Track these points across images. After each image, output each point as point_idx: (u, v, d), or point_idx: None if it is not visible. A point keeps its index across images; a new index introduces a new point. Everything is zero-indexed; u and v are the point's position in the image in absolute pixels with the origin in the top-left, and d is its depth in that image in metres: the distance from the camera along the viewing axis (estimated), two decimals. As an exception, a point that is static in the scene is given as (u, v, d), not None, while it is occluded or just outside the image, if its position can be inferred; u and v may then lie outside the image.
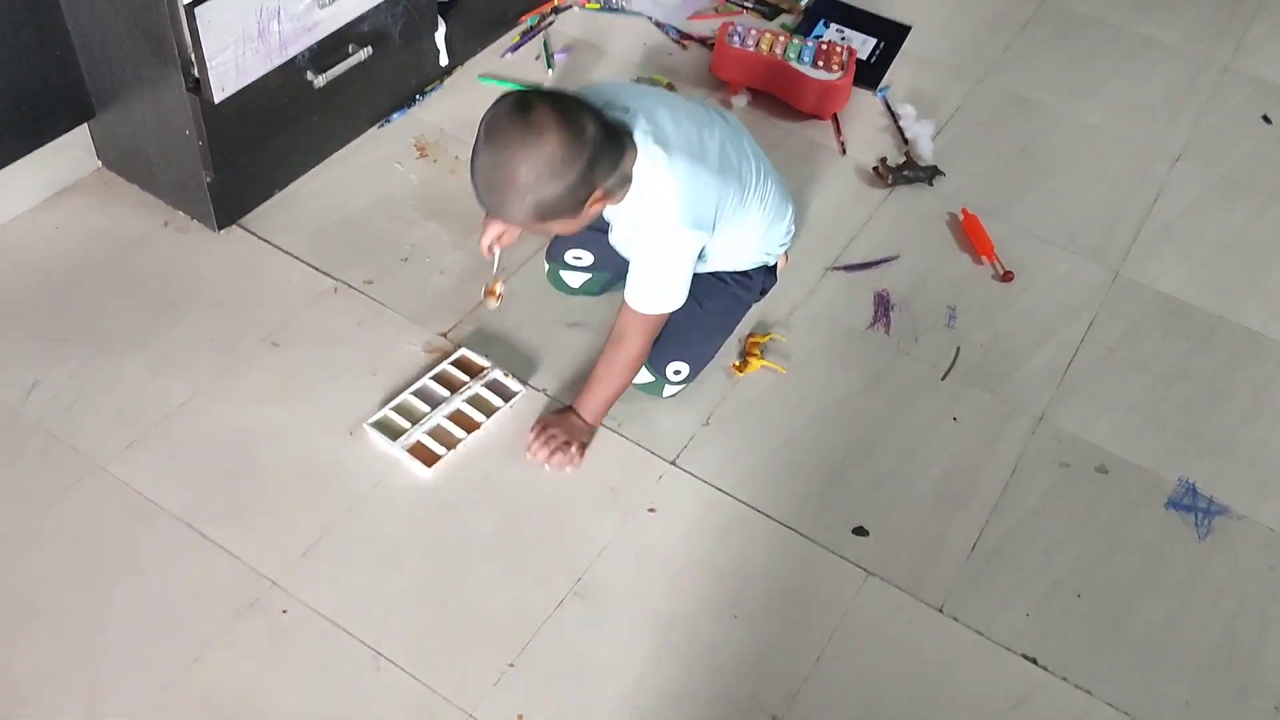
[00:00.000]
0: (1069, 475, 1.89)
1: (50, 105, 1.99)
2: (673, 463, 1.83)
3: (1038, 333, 2.11)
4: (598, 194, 1.58)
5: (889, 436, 1.91)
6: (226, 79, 1.84)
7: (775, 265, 1.99)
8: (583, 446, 1.81)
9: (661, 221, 1.67)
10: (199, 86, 1.84)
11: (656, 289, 1.72)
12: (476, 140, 1.57)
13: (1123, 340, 2.12)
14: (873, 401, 1.96)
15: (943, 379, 2.01)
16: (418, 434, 1.80)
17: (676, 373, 1.88)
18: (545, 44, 2.58)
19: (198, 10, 1.74)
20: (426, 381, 1.87)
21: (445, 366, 1.90)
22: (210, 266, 2.03)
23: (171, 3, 1.75)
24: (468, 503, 1.74)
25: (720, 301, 1.92)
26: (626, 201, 1.67)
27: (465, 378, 1.89)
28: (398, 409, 1.83)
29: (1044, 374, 2.04)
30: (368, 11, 2.08)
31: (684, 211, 1.66)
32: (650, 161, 1.63)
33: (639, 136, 1.63)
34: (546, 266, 2.04)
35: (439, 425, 1.82)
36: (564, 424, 1.81)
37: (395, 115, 2.36)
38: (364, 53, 2.11)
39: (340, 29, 2.03)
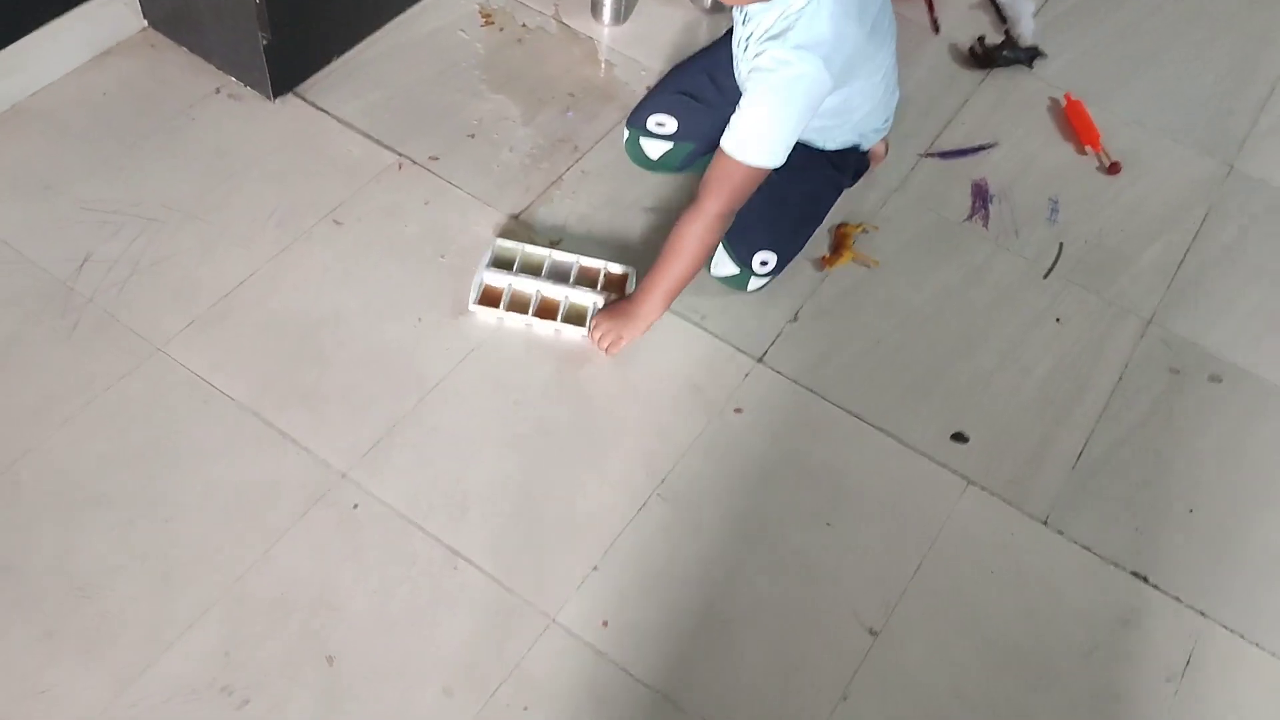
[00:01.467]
0: (1180, 382, 1.77)
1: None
2: (760, 360, 1.72)
3: (1146, 229, 1.97)
4: None
5: (988, 337, 1.79)
6: (286, -70, 1.69)
7: (867, 151, 1.85)
8: (632, 335, 1.69)
9: (791, 44, 1.51)
10: (256, -62, 1.69)
11: (759, 130, 1.55)
12: None
13: (1238, 239, 1.97)
14: (970, 299, 1.84)
15: (1045, 277, 1.88)
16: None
17: (764, 264, 1.75)
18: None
19: None
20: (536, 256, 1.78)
21: (565, 257, 1.78)
22: (267, 137, 1.90)
23: None
24: (546, 396, 1.65)
25: (811, 185, 1.79)
26: (766, 9, 1.53)
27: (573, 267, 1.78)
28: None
29: (1153, 274, 1.91)
30: None
31: (819, 40, 1.51)
32: None
33: None
34: (626, 134, 1.90)
35: (542, 298, 1.73)
36: (617, 316, 1.70)
37: (458, -22, 2.20)
38: (428, -94, 1.95)
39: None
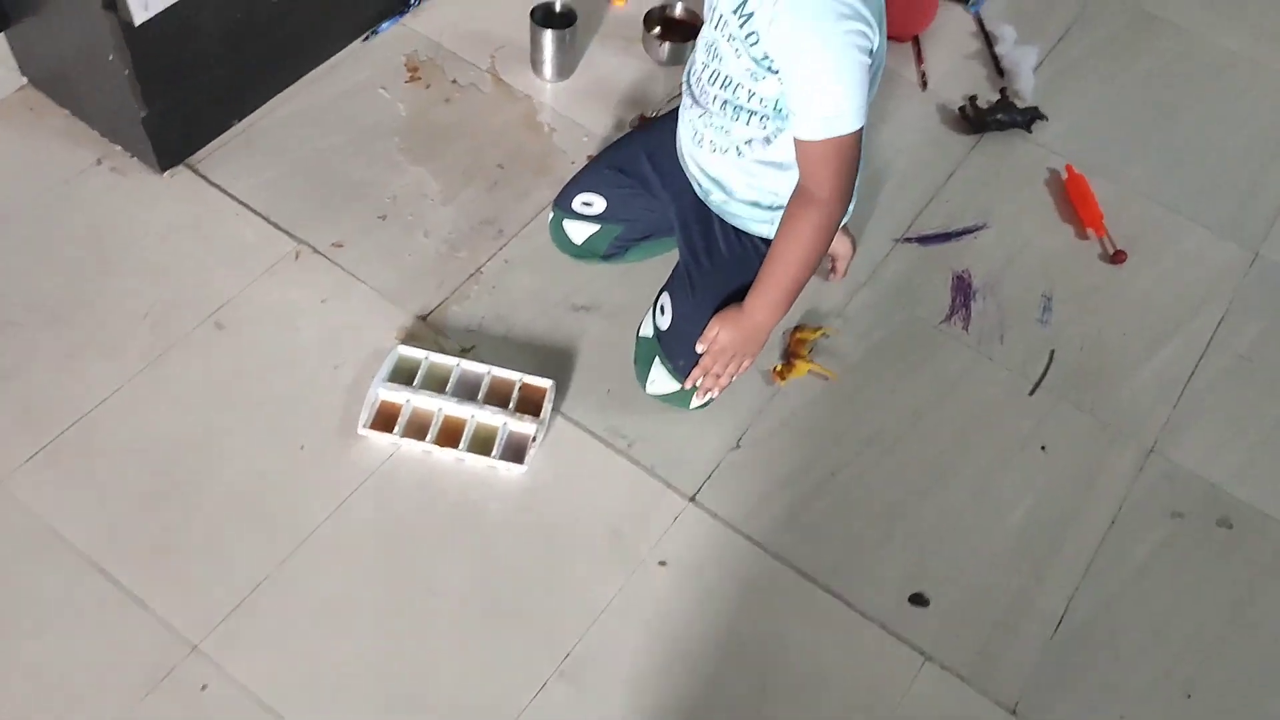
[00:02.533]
0: (1182, 530, 1.53)
1: (-48, 15, 1.63)
2: (693, 499, 1.50)
3: (1152, 331, 1.72)
4: None
5: (961, 468, 1.55)
6: (150, -4, 1.46)
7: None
8: (752, 358, 1.50)
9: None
10: (114, 3, 1.46)
11: (820, 100, 1.27)
12: None
13: (1260, 345, 1.72)
14: (943, 421, 1.60)
15: (1031, 393, 1.64)
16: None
17: (662, 310, 1.53)
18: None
19: (102, -89, 1.35)
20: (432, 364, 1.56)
21: (465, 364, 1.56)
22: (150, 219, 1.68)
23: (69, -102, 1.36)
24: (440, 547, 1.42)
25: (727, 279, 1.53)
26: None
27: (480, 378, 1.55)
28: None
29: (1157, 388, 1.66)
30: (341, -99, 1.68)
31: None
32: None
33: None
34: (550, 215, 1.67)
35: (445, 419, 1.52)
36: (736, 329, 1.46)
37: (384, 25, 1.96)
38: (338, -48, 1.71)
39: (304, -75, 1.63)
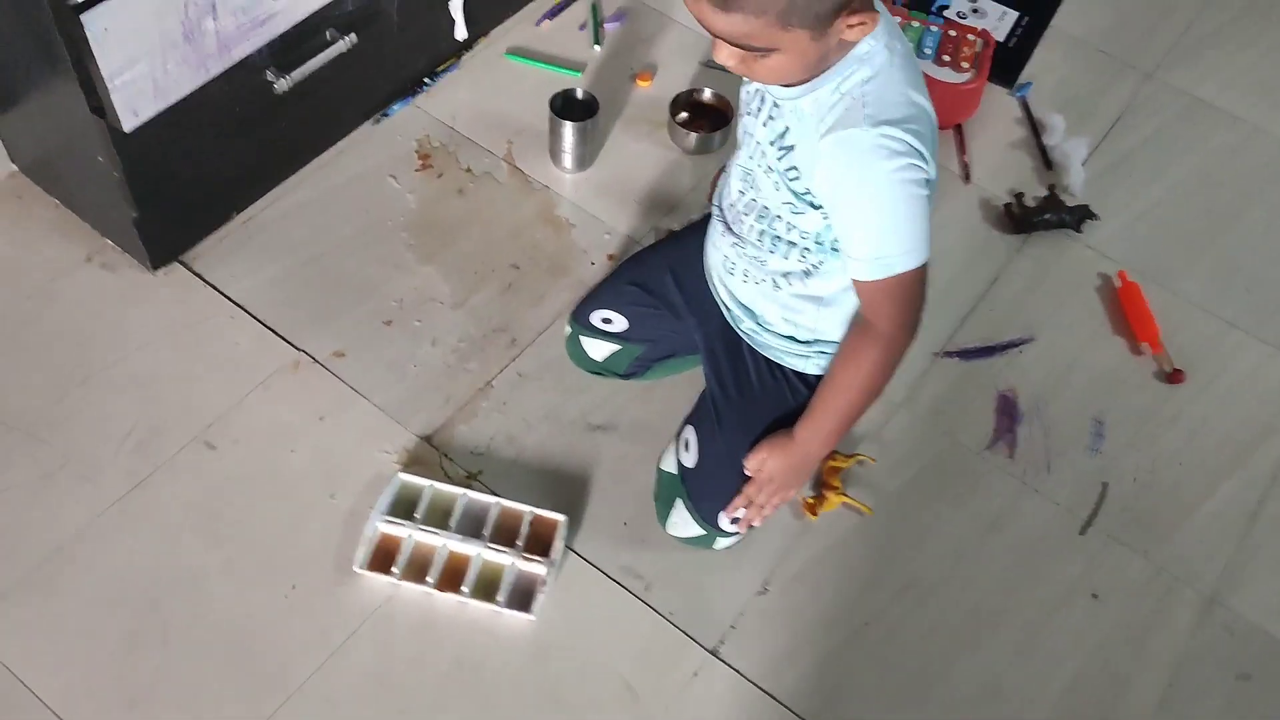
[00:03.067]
0: (1247, 694, 1.40)
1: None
2: (713, 652, 1.38)
3: (1212, 462, 1.59)
4: (851, 18, 1.04)
5: (1003, 620, 1.43)
6: (140, 101, 1.36)
7: None
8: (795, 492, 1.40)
9: (866, 121, 1.10)
10: (102, 109, 1.36)
11: (874, 241, 1.16)
12: None
13: (1327, 479, 1.59)
14: (985, 564, 1.47)
15: (1082, 532, 1.52)
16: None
17: (735, 520, 1.41)
18: (594, 9, 2.03)
19: (86, 17, 1.24)
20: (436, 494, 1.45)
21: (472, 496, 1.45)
22: (140, 323, 1.58)
23: (53, 2, 1.26)
24: (438, 707, 1.31)
25: (790, 422, 1.41)
26: (807, 94, 1.13)
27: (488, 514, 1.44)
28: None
29: (1218, 528, 1.53)
30: (351, -12, 1.57)
31: (900, 112, 1.11)
32: (874, 47, 1.11)
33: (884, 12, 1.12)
34: (567, 331, 1.56)
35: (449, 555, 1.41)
36: (785, 457, 1.36)
37: (395, 106, 1.85)
38: (346, 41, 1.61)
39: (311, 15, 1.52)
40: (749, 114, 1.26)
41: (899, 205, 1.14)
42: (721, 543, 1.43)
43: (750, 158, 1.25)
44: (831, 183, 1.15)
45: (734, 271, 1.37)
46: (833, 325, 1.33)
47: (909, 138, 1.11)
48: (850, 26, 1.06)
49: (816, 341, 1.36)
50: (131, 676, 1.30)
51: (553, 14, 2.01)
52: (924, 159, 1.14)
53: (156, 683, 1.30)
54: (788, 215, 1.24)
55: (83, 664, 1.30)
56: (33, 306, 1.58)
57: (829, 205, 1.18)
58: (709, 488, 1.38)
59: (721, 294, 1.43)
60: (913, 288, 1.22)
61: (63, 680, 1.29)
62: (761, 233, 1.29)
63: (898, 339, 1.26)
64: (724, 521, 1.39)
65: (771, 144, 1.20)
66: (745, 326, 1.41)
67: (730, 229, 1.34)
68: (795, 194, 1.20)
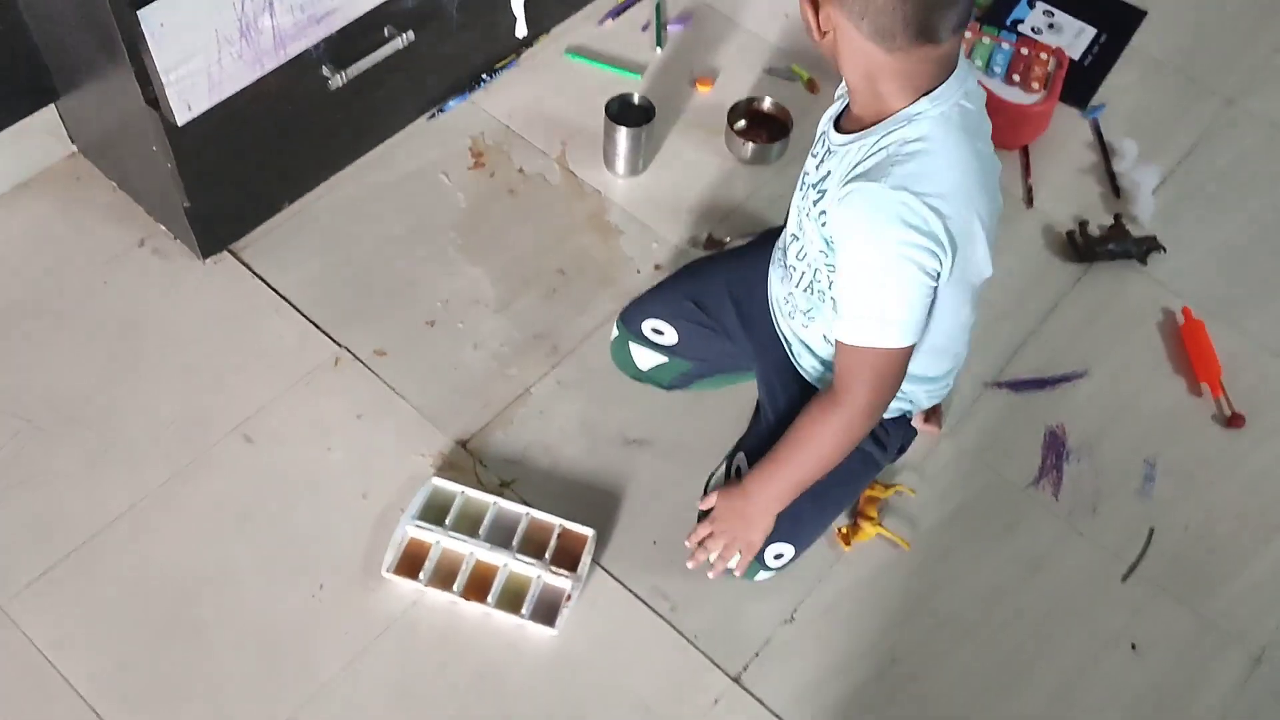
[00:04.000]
0: (1290, 761, 1.36)
1: (6, 82, 1.55)
2: (736, 679, 1.36)
3: (1269, 515, 1.53)
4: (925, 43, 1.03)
5: (1039, 666, 1.39)
6: (194, 95, 1.36)
7: (911, 418, 1.45)
8: (752, 546, 1.35)
9: (891, 181, 1.07)
10: (157, 101, 1.37)
11: (863, 302, 1.14)
12: None
13: (1390, 539, 1.53)
14: (1024, 605, 1.43)
15: (1125, 578, 1.47)
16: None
17: (778, 556, 1.38)
18: (658, 9, 2.00)
19: (143, 13, 1.25)
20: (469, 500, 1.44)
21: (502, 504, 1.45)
22: (187, 312, 1.59)
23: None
24: (452, 712, 1.31)
25: (845, 463, 1.35)
26: (862, 140, 1.12)
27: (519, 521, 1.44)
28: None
29: (1271, 584, 1.47)
30: (411, -15, 1.56)
31: (933, 185, 1.08)
32: (927, 110, 1.08)
33: (961, 72, 1.11)
34: (614, 333, 1.54)
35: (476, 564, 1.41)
36: (733, 517, 1.34)
37: (452, 102, 1.84)
38: (404, 38, 1.60)
39: (369, 12, 1.52)
40: (811, 155, 1.23)
41: (895, 276, 1.11)
42: (762, 575, 1.40)
43: (802, 199, 1.23)
44: (840, 229, 1.13)
45: (793, 316, 1.34)
46: None
47: (930, 217, 1.07)
48: (914, 63, 1.04)
49: None
50: (160, 667, 1.32)
51: (616, 13, 1.99)
52: (941, 248, 1.09)
53: (184, 674, 1.31)
54: (824, 270, 1.21)
55: (114, 651, 1.32)
56: (85, 289, 1.60)
57: (835, 252, 1.15)
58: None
59: (783, 327, 1.40)
60: (889, 368, 1.18)
61: (93, 666, 1.31)
62: (809, 285, 1.26)
63: (856, 421, 1.23)
64: (768, 557, 1.37)
65: (814, 186, 1.17)
66: (805, 363, 1.38)
67: (788, 273, 1.31)
68: (825, 241, 1.17)
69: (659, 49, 1.95)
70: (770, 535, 1.35)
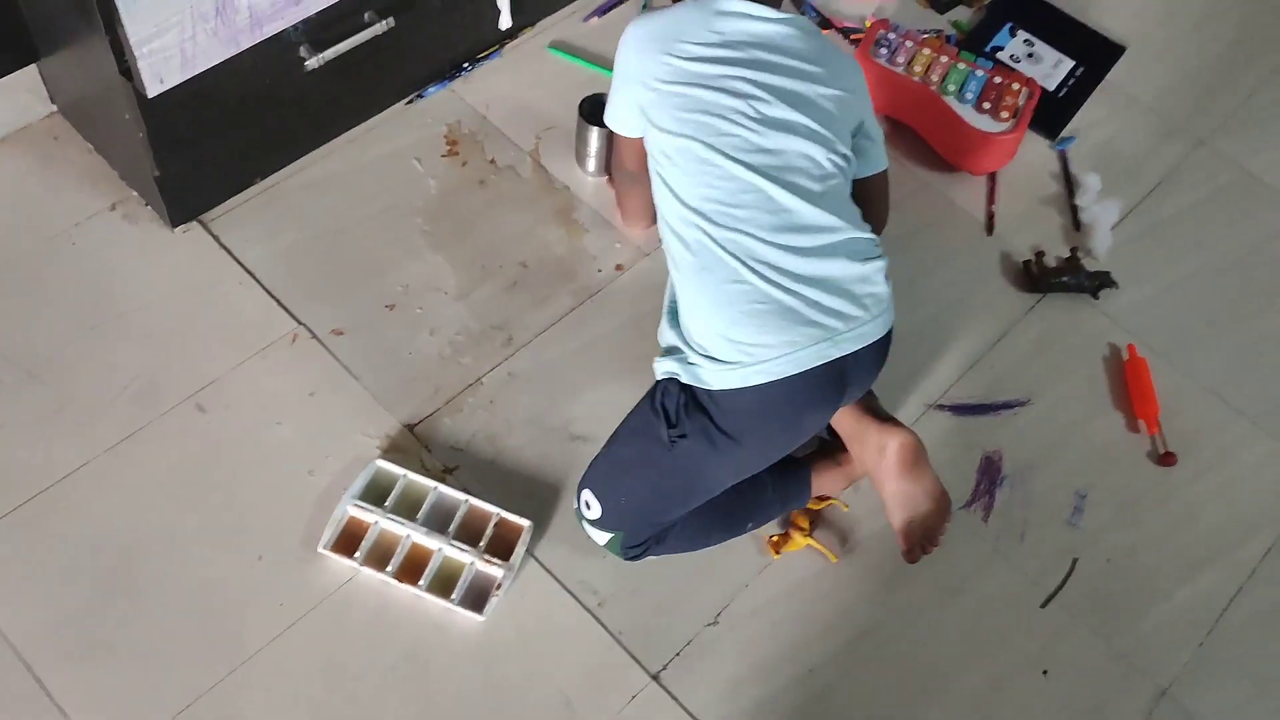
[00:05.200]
0: (1183, 794, 1.40)
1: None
2: (655, 678, 1.40)
3: (1191, 553, 1.57)
4: None
5: (953, 685, 1.43)
6: (166, 69, 1.39)
7: (713, 391, 1.34)
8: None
9: None
10: (129, 72, 1.39)
11: None
12: None
13: (1307, 585, 1.57)
14: (943, 626, 1.47)
15: (1043, 605, 1.51)
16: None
17: (587, 505, 1.41)
18: (644, 9, 2.02)
19: (117, -13, 1.28)
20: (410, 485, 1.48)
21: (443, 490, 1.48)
22: (153, 278, 1.62)
23: (88, -33, 1.29)
24: (376, 694, 1.34)
25: (632, 420, 1.42)
26: None
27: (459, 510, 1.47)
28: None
29: (1185, 622, 1.51)
30: (393, -27, 1.59)
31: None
32: None
33: None
34: (608, 544, 1.46)
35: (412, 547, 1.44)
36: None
37: (432, 89, 1.87)
38: (384, 24, 1.62)
39: (348, -3, 1.54)
40: None
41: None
42: (586, 528, 1.43)
43: None
44: None
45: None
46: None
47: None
48: None
49: None
50: (97, 627, 1.35)
51: (602, 11, 2.01)
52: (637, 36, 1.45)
53: (120, 633, 1.35)
54: None
55: (52, 607, 1.36)
56: (53, 249, 1.63)
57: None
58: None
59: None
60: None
61: (30, 618, 1.34)
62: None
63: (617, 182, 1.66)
64: (581, 499, 1.41)
65: None
66: None
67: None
68: None
69: (642, 49, 1.97)
70: (585, 479, 1.42)
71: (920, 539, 1.44)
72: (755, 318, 1.30)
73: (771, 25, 1.40)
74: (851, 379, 1.37)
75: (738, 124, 1.35)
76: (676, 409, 1.34)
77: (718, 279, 1.32)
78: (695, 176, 1.35)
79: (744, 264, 1.31)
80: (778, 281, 1.31)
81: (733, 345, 1.30)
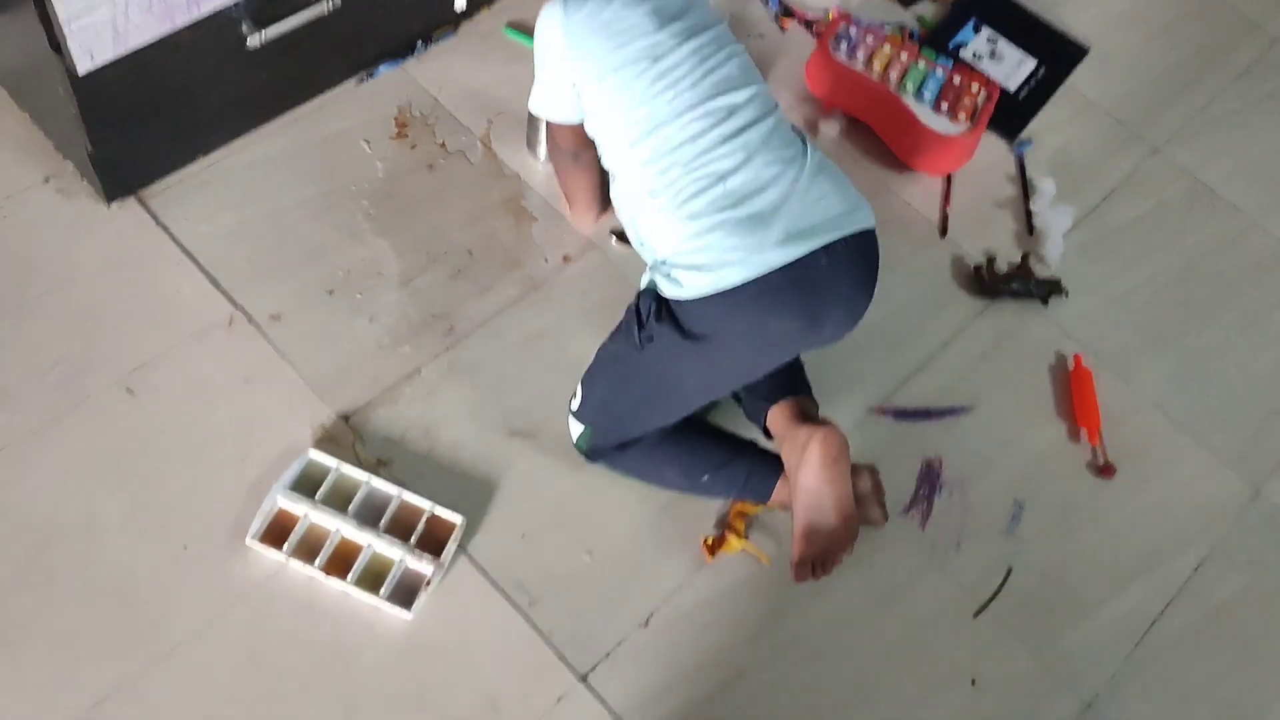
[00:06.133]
0: (1102, 807, 1.41)
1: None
2: (583, 679, 1.39)
3: (1124, 565, 1.58)
4: None
5: (881, 693, 1.43)
6: (98, 45, 1.35)
7: (684, 302, 1.33)
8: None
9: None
10: (60, 47, 1.35)
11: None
12: None
13: (1235, 604, 1.57)
14: (874, 633, 1.47)
15: (976, 615, 1.51)
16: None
17: (574, 395, 1.48)
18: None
19: (44, -42, 1.23)
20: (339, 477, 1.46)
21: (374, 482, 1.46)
22: (85, 255, 1.58)
23: (13, -63, 1.24)
24: (304, 692, 1.33)
25: (622, 319, 1.45)
26: None
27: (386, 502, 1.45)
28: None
29: (1112, 635, 1.52)
30: (340, -50, 1.54)
31: None
32: None
33: None
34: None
35: (341, 541, 1.42)
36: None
37: (383, 67, 1.83)
38: (329, 3, 1.58)
39: (294, -27, 1.50)
40: None
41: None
42: (571, 423, 1.50)
43: None
44: None
45: None
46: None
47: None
48: None
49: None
50: (10, 614, 1.32)
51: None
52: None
53: (32, 622, 1.32)
54: None
55: (-35, 592, 1.33)
56: (-16, 221, 1.59)
57: None
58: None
59: None
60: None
61: (-57, 605, 1.32)
62: None
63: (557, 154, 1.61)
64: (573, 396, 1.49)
65: None
66: None
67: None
68: None
69: (600, 34, 1.94)
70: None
71: (817, 555, 1.40)
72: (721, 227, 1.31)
73: None
74: (827, 283, 1.32)
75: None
76: (648, 312, 1.36)
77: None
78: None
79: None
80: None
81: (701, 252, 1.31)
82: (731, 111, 1.33)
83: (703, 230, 1.29)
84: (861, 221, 1.35)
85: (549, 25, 1.41)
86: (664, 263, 1.34)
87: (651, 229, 1.35)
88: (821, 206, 1.32)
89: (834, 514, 1.39)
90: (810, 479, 1.39)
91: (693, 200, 1.30)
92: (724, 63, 1.35)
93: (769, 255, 1.28)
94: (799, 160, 1.34)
